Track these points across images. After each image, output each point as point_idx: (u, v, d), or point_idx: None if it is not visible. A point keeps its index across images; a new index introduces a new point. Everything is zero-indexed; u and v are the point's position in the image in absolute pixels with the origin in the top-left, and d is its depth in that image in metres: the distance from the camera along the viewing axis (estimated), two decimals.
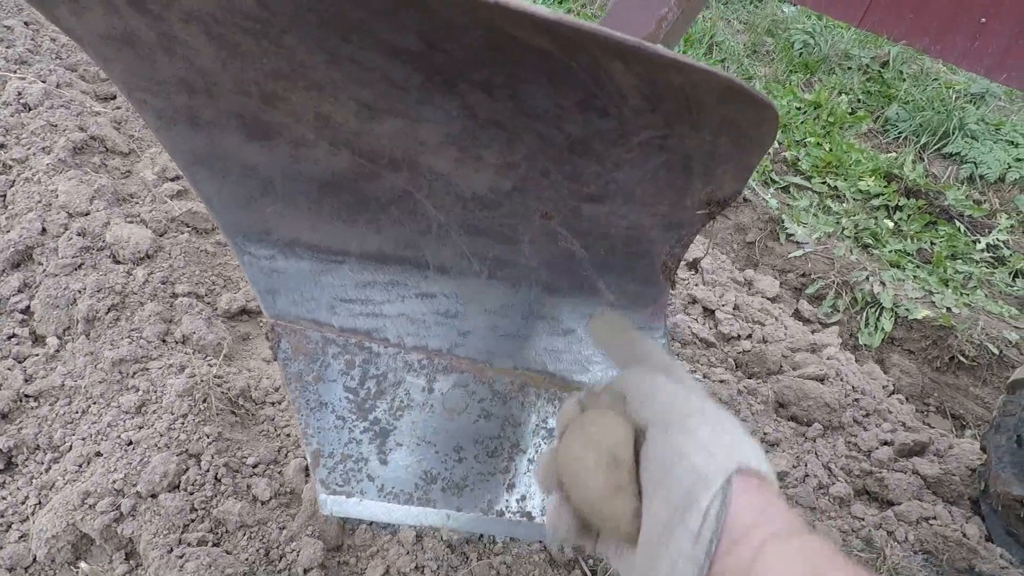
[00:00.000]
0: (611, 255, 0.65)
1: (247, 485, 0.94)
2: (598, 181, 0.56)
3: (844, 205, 2.52)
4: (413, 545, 0.92)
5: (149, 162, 1.65)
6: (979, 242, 2.32)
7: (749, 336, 1.47)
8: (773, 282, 2.01)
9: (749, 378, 1.38)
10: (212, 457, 0.95)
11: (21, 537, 0.87)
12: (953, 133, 2.77)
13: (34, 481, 0.93)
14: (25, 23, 2.15)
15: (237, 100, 0.54)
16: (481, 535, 0.90)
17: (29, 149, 1.52)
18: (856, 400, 1.33)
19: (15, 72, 1.84)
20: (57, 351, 1.12)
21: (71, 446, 0.96)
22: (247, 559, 0.86)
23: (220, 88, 0.53)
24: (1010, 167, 2.63)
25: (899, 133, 2.91)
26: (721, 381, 1.34)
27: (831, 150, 2.76)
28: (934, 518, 1.12)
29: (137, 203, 1.48)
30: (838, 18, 3.58)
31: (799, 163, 2.70)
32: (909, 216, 2.48)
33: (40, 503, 0.90)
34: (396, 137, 0.55)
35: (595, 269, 0.66)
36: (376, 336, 0.65)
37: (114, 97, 2.00)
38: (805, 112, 3.02)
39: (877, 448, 1.24)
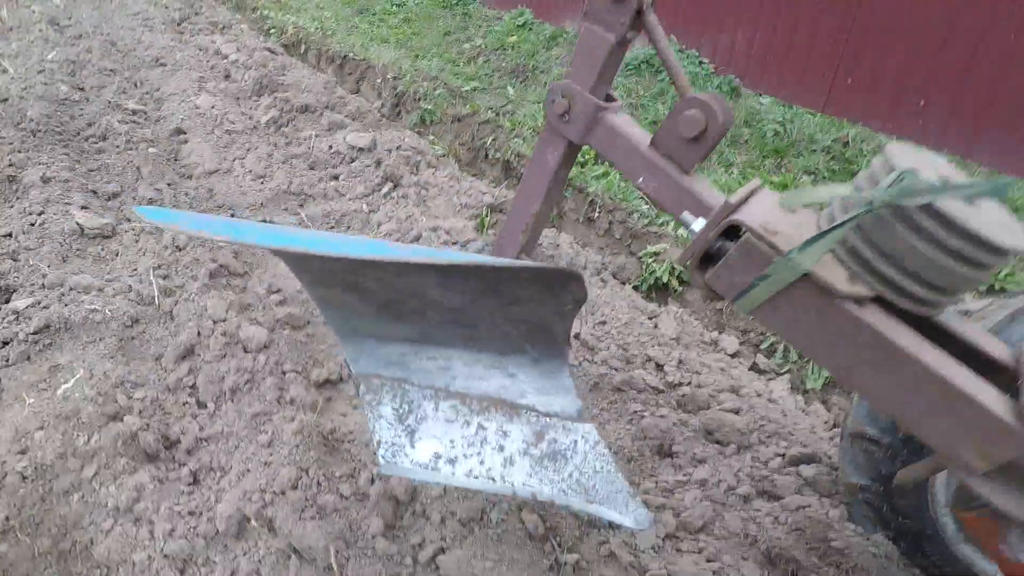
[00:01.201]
0: (530, 331, 1.21)
1: (336, 487, 1.51)
2: (511, 294, 1.13)
3: None
4: (439, 525, 1.46)
5: (257, 281, 2.35)
6: None
7: (688, 383, 1.97)
8: (734, 341, 2.50)
9: (685, 413, 1.87)
10: (314, 471, 1.53)
11: (208, 520, 1.45)
12: None
13: (213, 488, 1.52)
14: (168, 184, 3.00)
15: (345, 278, 1.16)
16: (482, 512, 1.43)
17: (183, 278, 2.24)
18: (762, 426, 1.79)
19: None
20: (215, 411, 1.75)
21: (231, 467, 1.56)
22: (339, 528, 1.41)
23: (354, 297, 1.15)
24: None
25: None
26: (662, 416, 1.84)
27: None
28: (808, 506, 1.57)
29: (254, 310, 2.15)
30: (804, 106, 4.17)
31: None
32: None
33: (217, 500, 1.49)
34: (411, 286, 1.15)
35: (522, 339, 1.22)
36: (408, 381, 1.23)
37: None
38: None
39: (772, 459, 1.69)
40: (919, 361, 0.83)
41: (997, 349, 0.93)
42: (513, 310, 1.17)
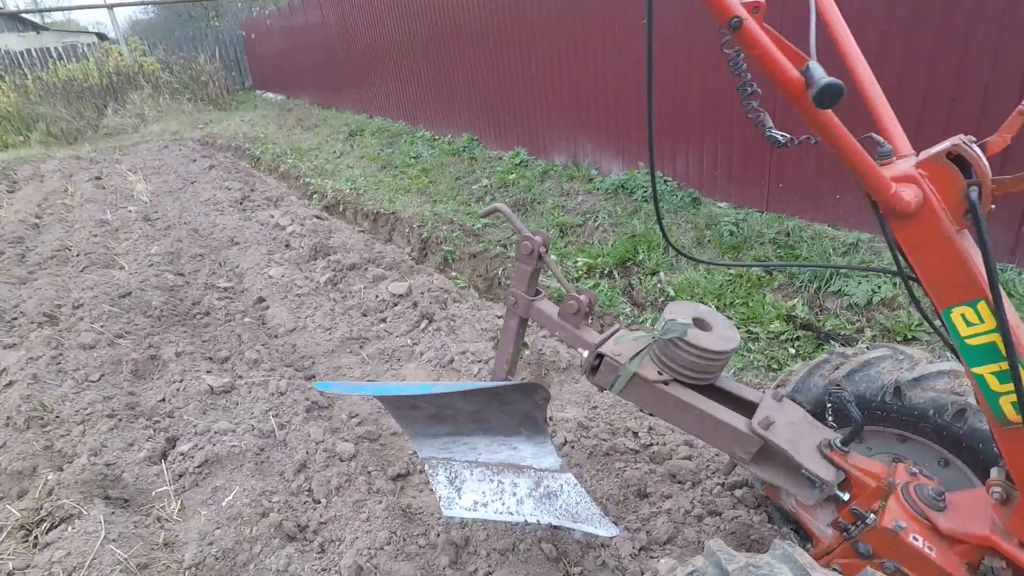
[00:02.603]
0: (522, 419, 2.01)
1: (416, 541, 2.27)
2: (505, 399, 1.96)
3: (759, 343, 3.72)
4: (486, 557, 2.18)
5: (339, 410, 3.21)
6: None
7: (656, 443, 2.69)
8: None
9: (655, 464, 2.59)
10: (400, 532, 2.29)
11: (336, 571, 2.21)
12: (832, 277, 4.01)
13: (335, 552, 2.29)
14: (263, 344, 3.96)
15: (412, 404, 2.00)
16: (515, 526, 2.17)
17: (288, 415, 3.12)
18: (708, 466, 2.49)
19: (268, 377, 3.54)
20: (327, 504, 2.54)
21: (345, 537, 2.34)
22: (421, 564, 2.16)
23: (417, 413, 2.00)
24: (874, 293, 3.80)
25: (800, 283, 4.17)
26: (638, 468, 2.56)
27: (750, 306, 4.03)
28: (739, 516, 2.24)
29: (341, 431, 2.99)
30: (750, 206, 5.06)
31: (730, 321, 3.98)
32: (805, 343, 3.65)
33: (340, 558, 2.25)
34: (447, 403, 1.98)
35: (517, 424, 2.02)
36: (452, 459, 2.03)
37: (312, 377, 3.68)
38: (733, 282, 4.36)
39: (715, 488, 2.38)
40: (700, 408, 1.60)
41: (749, 394, 1.68)
42: (508, 408, 1.99)
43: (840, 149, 1.07)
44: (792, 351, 3.63)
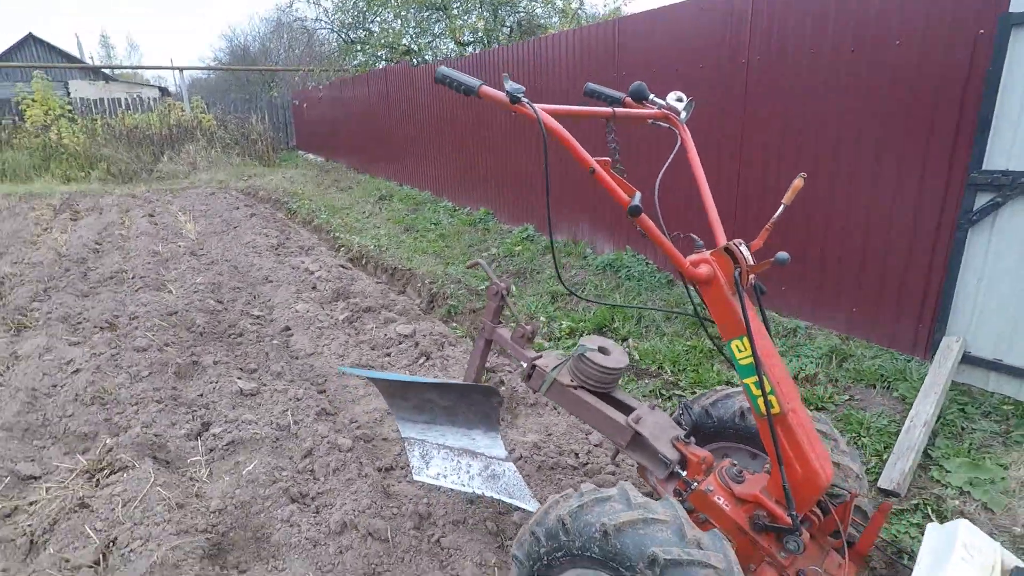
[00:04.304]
0: (481, 417, 2.73)
1: (390, 509, 2.93)
2: (470, 398, 2.68)
3: None
4: (441, 525, 2.83)
5: (342, 416, 3.91)
6: None
7: (590, 463, 3.35)
8: None
9: (588, 477, 3.24)
10: (379, 502, 2.95)
11: (327, 524, 2.87)
12: None
13: (328, 512, 2.95)
14: (285, 363, 4.72)
15: (402, 394, 2.73)
16: (471, 499, 2.82)
17: (302, 415, 3.83)
18: (628, 478, 3.14)
19: (281, 389, 4.27)
20: (324, 480, 3.21)
21: (336, 503, 3.00)
22: (392, 526, 2.81)
23: (405, 403, 2.73)
24: (801, 370, 4.49)
25: None
26: (573, 478, 3.22)
27: (700, 372, 4.73)
28: None
29: (343, 432, 3.69)
30: None
31: (680, 382, 4.67)
32: None
33: (330, 516, 2.91)
34: (428, 396, 2.71)
35: (477, 420, 2.73)
36: (425, 441, 2.73)
37: (324, 391, 4.40)
38: (689, 353, 5.07)
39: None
40: (596, 407, 2.31)
41: (634, 403, 2.39)
42: (472, 407, 2.71)
43: (656, 242, 1.86)
44: None
